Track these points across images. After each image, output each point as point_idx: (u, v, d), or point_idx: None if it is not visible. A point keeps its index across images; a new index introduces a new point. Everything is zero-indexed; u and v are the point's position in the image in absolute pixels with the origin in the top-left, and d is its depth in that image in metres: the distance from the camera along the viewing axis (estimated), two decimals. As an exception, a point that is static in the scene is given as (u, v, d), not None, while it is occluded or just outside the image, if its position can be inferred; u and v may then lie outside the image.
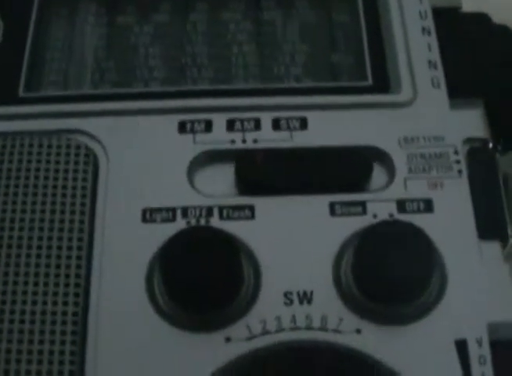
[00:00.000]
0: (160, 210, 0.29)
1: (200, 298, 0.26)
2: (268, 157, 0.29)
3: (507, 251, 0.28)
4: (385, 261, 0.26)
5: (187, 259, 0.26)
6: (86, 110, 0.30)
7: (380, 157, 0.30)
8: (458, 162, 0.30)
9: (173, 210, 0.29)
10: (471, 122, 0.31)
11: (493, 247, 0.29)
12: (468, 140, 0.30)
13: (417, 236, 0.27)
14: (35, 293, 0.27)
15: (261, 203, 0.29)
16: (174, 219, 0.29)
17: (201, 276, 0.26)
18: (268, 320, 0.27)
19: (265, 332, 0.27)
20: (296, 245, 0.28)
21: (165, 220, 0.29)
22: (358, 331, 0.27)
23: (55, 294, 0.27)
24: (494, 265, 0.28)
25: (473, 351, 0.27)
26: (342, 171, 0.29)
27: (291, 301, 0.27)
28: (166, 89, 0.32)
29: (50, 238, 0.28)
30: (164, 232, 0.28)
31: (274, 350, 0.27)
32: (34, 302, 0.27)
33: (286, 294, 0.27)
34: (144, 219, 0.29)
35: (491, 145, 0.30)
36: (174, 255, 0.27)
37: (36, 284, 0.27)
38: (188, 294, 0.26)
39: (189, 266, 0.26)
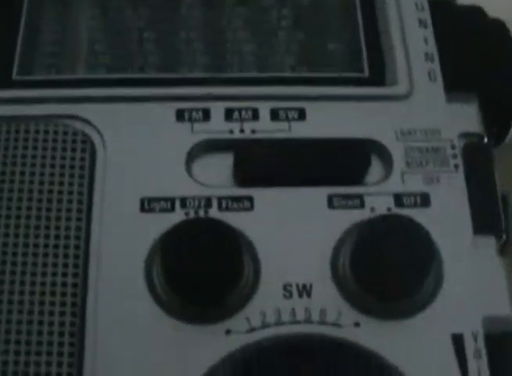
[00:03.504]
0: (158, 200, 0.29)
1: (200, 289, 0.26)
2: (267, 149, 0.29)
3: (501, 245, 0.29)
4: (383, 255, 0.27)
5: (187, 250, 0.26)
6: (82, 96, 0.30)
7: (378, 149, 0.30)
8: (454, 157, 0.30)
9: (172, 200, 0.29)
10: (467, 117, 0.31)
11: (488, 242, 0.29)
12: (464, 135, 0.31)
13: (416, 231, 0.27)
14: (32, 292, 0.27)
15: (259, 194, 0.29)
16: (172, 209, 0.28)
17: (201, 268, 0.26)
18: (267, 313, 0.27)
19: (265, 325, 0.27)
20: (294, 237, 0.28)
21: (164, 210, 0.28)
22: (357, 325, 0.27)
23: (53, 284, 0.27)
24: (488, 260, 0.29)
25: (469, 345, 0.27)
26: (341, 163, 0.29)
27: (290, 294, 0.27)
28: (163, 76, 0.32)
29: (47, 227, 0.28)
30: (163, 222, 0.28)
31: (273, 345, 0.27)
32: (32, 293, 0.27)
33: (286, 287, 0.28)
34: (142, 209, 0.28)
35: (486, 140, 0.31)
36: (175, 246, 0.27)
37: (33, 274, 0.27)
38: (188, 286, 0.26)
39: (189, 257, 0.26)
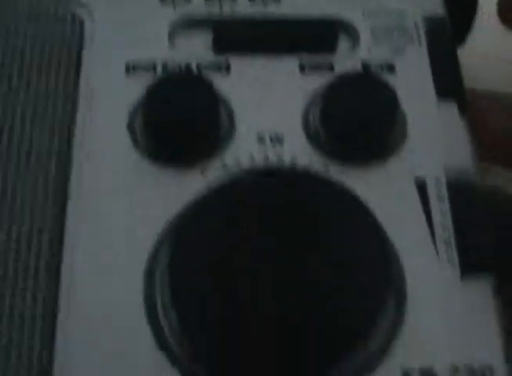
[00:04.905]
0: (142, 65, 0.31)
1: (179, 131, 0.28)
2: (244, 21, 0.32)
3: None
4: (352, 104, 0.29)
5: (169, 96, 0.28)
6: None
7: (346, 27, 0.32)
8: (418, 34, 0.32)
9: (154, 65, 0.31)
10: (431, 2, 0.33)
11: (451, 106, 0.31)
12: (427, 18, 0.33)
13: (382, 86, 0.29)
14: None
15: (236, 61, 0.31)
16: (155, 73, 0.31)
17: (181, 111, 0.28)
18: (242, 157, 0.29)
19: (240, 167, 0.29)
20: (268, 97, 0.30)
21: (147, 70, 0.31)
22: (327, 170, 0.29)
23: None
24: (452, 120, 0.31)
25: (431, 189, 0.29)
26: (311, 34, 0.31)
27: (263, 142, 0.29)
28: None
29: (35, 109, 0.30)
30: (147, 83, 0.30)
31: (250, 178, 0.28)
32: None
33: (259, 135, 0.29)
34: (127, 71, 0.31)
35: (448, 24, 0.33)
36: (158, 94, 0.29)
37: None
38: (168, 128, 0.28)
39: (169, 103, 0.28)
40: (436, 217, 0.29)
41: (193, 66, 0.31)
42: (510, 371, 0.27)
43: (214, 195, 0.28)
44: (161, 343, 0.26)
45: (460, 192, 0.29)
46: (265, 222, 0.27)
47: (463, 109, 0.31)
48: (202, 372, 0.26)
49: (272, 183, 0.28)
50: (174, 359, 0.26)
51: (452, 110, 0.31)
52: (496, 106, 0.34)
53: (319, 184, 0.28)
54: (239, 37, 0.31)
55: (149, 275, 0.27)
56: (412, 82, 0.31)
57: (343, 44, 0.32)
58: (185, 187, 0.28)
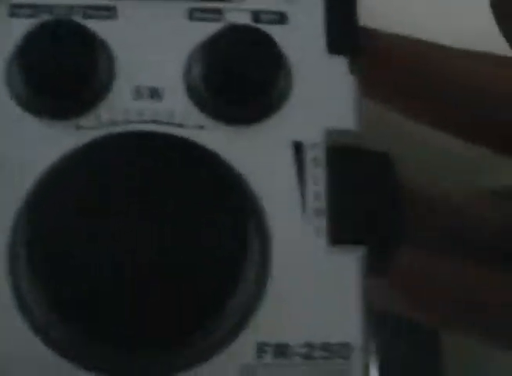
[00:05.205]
0: (24, 5, 0.30)
1: (54, 81, 0.28)
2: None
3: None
4: (235, 61, 0.28)
5: (45, 44, 0.28)
6: None
7: None
8: None
9: (36, 6, 0.30)
10: None
11: (340, 62, 0.30)
12: None
13: (265, 39, 0.28)
14: None
15: (123, 5, 0.30)
16: (38, 16, 0.30)
17: (56, 61, 0.28)
18: (117, 112, 0.29)
19: (113, 123, 0.28)
20: (153, 46, 0.30)
21: (29, 16, 0.30)
22: (201, 127, 0.29)
23: None
24: (340, 78, 0.30)
25: (309, 153, 0.29)
26: None
27: (141, 96, 0.29)
28: None
29: None
30: (28, 27, 0.29)
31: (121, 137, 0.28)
32: None
33: (138, 89, 0.29)
34: (10, 14, 0.30)
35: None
36: (33, 41, 0.28)
37: None
38: (43, 78, 0.28)
39: (45, 51, 0.28)
40: (309, 185, 0.28)
41: (77, 10, 0.30)
42: (368, 349, 0.27)
43: (71, 159, 0.27)
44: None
45: (338, 158, 0.29)
46: (126, 183, 0.27)
47: (355, 67, 0.30)
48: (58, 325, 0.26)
49: (134, 145, 0.28)
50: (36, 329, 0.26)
51: (341, 67, 0.30)
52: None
53: (180, 146, 0.28)
54: None
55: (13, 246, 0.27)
56: (303, 35, 0.30)
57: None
58: (58, 144, 0.28)
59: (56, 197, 0.27)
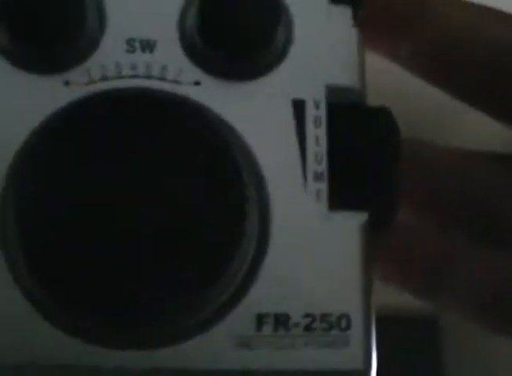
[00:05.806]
0: None
1: (40, 30, 0.26)
2: None
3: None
4: (230, 13, 0.26)
5: None
6: None
7: None
8: None
9: None
10: None
11: (344, 12, 0.28)
12: None
13: None
14: None
15: None
16: None
17: (43, 8, 0.26)
18: (108, 66, 0.27)
19: (105, 78, 0.27)
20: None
21: None
22: (197, 83, 0.27)
23: None
24: (342, 30, 0.28)
25: (309, 112, 0.27)
26: None
27: (134, 50, 0.27)
28: None
29: None
30: None
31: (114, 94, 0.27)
32: None
33: (129, 42, 0.27)
34: None
35: None
36: None
37: None
38: (29, 27, 0.26)
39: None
40: (310, 145, 0.27)
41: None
42: (368, 320, 0.26)
43: (59, 120, 0.26)
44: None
45: (341, 117, 0.27)
46: (116, 144, 0.26)
47: (358, 17, 0.28)
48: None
49: (123, 105, 0.26)
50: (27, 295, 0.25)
51: (344, 19, 0.28)
52: None
53: (172, 105, 0.26)
54: None
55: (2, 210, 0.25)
56: None
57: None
58: (47, 101, 0.26)
59: (45, 158, 0.26)
